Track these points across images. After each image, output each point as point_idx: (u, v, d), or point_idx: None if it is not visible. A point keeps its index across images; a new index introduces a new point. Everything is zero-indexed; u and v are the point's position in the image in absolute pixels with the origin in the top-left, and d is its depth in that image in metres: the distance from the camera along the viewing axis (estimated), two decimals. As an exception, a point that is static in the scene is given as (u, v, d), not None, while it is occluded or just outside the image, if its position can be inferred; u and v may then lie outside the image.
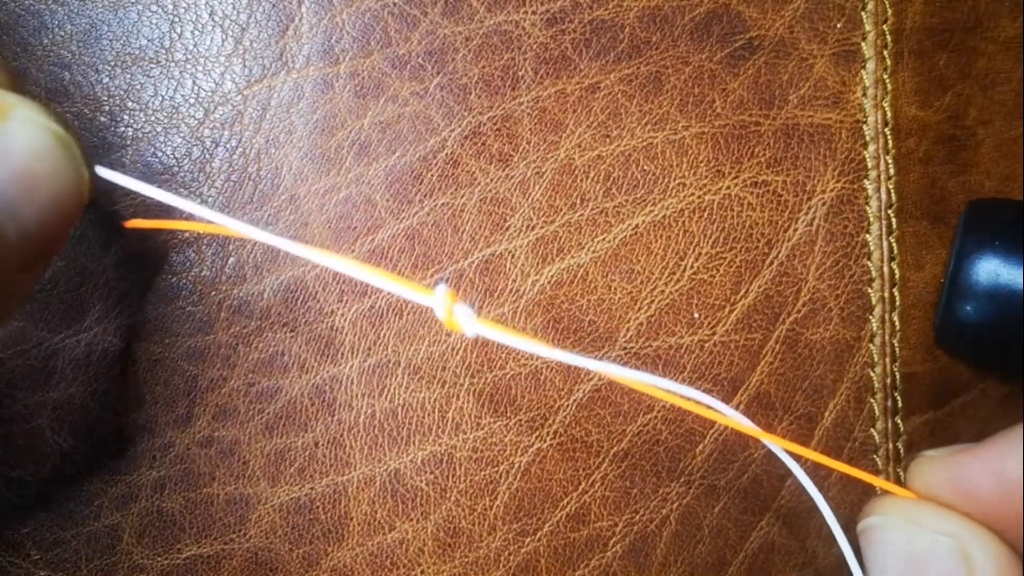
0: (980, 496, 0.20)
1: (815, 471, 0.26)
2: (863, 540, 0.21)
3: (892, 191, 0.26)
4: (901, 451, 0.26)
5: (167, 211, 0.25)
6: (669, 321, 0.26)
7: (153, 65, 0.25)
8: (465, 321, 0.19)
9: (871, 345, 0.26)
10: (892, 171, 0.26)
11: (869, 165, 0.26)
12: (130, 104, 0.25)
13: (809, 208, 0.26)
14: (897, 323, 0.26)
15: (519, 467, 0.26)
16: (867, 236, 0.26)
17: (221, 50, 0.25)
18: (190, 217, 0.24)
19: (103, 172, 0.21)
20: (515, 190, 0.26)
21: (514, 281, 0.26)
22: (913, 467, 0.22)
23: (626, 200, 0.26)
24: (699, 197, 0.26)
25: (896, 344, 0.26)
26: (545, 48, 0.25)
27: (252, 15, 0.25)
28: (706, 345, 0.26)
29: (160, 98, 0.25)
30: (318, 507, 0.25)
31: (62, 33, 0.24)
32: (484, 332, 0.19)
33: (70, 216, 0.19)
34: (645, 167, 0.26)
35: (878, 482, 0.22)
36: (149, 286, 0.25)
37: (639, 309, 0.26)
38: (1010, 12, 0.26)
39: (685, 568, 0.26)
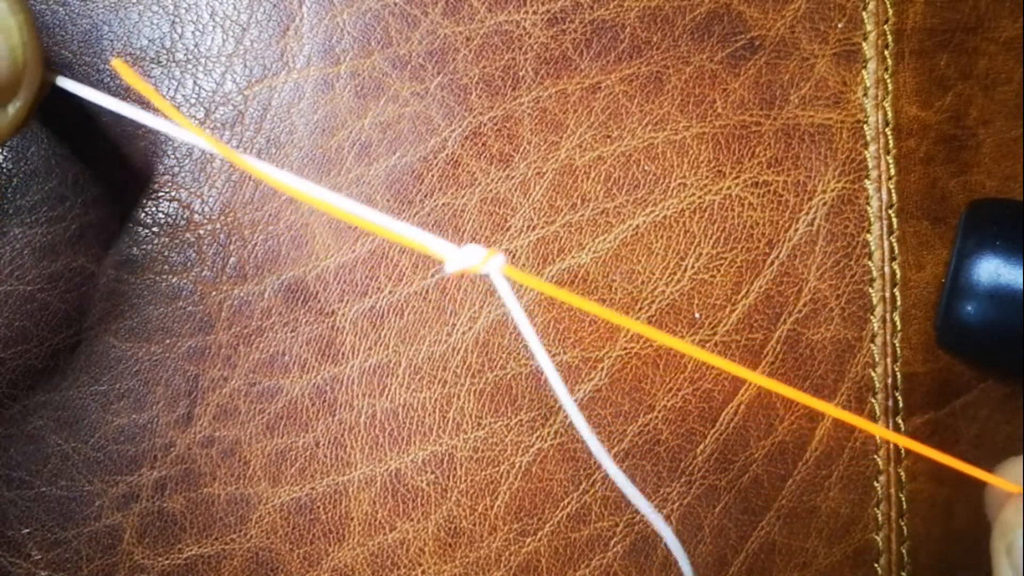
0: None
1: (817, 468, 0.26)
2: None
3: (893, 191, 0.26)
4: (902, 451, 0.26)
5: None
6: (670, 321, 0.26)
7: (154, 65, 0.25)
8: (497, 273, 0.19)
9: (872, 345, 0.26)
10: (893, 171, 0.26)
11: (870, 165, 0.26)
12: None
13: (810, 208, 0.26)
14: (898, 323, 0.26)
15: (520, 467, 0.26)
16: (868, 236, 0.26)
17: (222, 50, 0.25)
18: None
19: (64, 83, 0.20)
20: (516, 190, 0.26)
21: (515, 281, 0.26)
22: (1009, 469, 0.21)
23: (627, 200, 0.26)
24: (700, 197, 0.26)
25: (897, 344, 0.26)
26: (546, 48, 0.25)
27: (253, 15, 0.25)
28: (707, 345, 0.26)
29: (161, 98, 0.25)
30: (319, 507, 0.25)
31: (63, 34, 0.24)
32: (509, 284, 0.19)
33: None
34: (646, 167, 0.26)
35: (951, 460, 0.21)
36: (149, 286, 0.25)
37: (640, 309, 0.26)
38: (1011, 12, 0.26)
39: (686, 568, 0.26)
